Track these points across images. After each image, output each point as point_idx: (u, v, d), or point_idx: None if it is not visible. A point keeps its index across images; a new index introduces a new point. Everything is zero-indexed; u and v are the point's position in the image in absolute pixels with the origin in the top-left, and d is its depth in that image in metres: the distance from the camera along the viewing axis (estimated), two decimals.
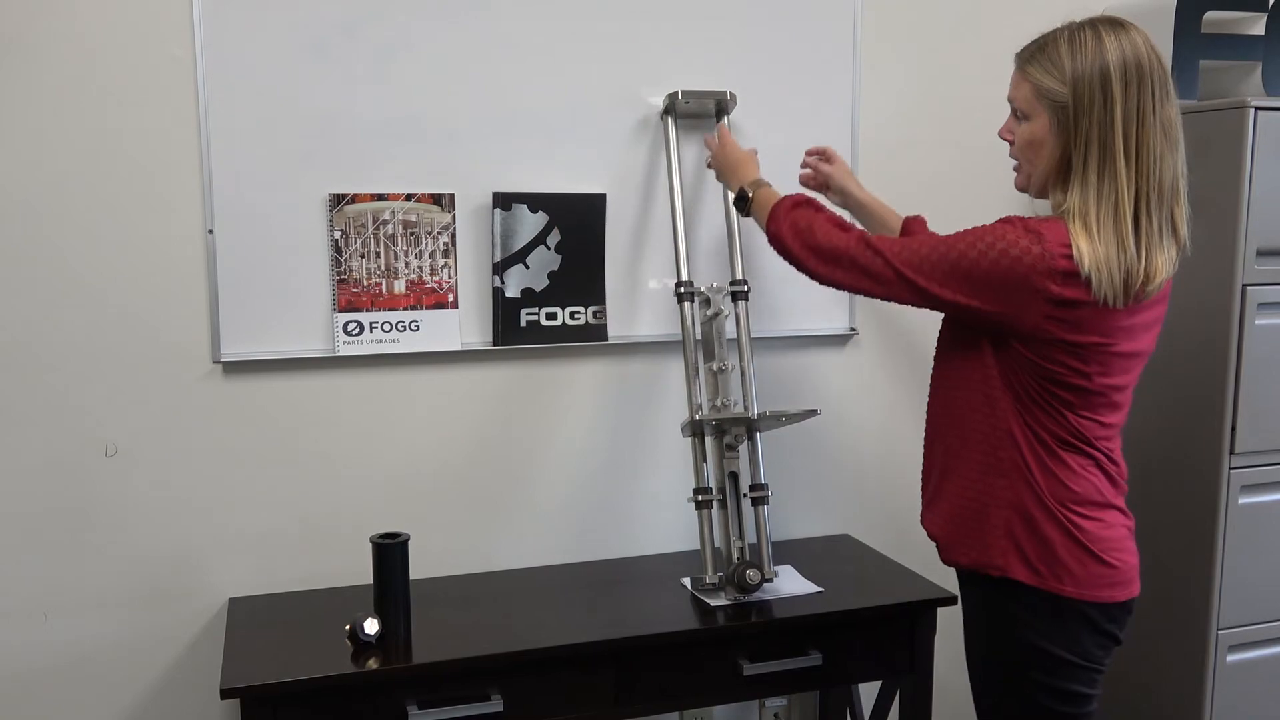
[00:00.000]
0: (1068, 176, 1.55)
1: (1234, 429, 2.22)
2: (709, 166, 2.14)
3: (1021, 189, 1.67)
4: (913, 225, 2.01)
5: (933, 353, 1.78)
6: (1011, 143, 1.64)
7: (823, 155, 2.15)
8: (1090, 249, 1.49)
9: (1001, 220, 1.58)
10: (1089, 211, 1.51)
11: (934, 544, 1.78)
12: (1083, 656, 1.61)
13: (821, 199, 2.03)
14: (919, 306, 1.63)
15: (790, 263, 1.76)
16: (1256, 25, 2.32)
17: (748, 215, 1.94)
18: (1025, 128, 1.59)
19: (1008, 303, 1.54)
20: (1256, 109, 2.13)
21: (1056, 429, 1.60)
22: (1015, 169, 1.66)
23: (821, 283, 1.73)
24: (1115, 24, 1.52)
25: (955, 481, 1.69)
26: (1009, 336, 1.58)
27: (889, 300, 1.65)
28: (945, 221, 1.93)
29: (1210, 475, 2.25)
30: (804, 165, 2.17)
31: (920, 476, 1.87)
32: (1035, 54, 1.56)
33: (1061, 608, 1.60)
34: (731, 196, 2.03)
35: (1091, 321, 1.53)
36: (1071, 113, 1.51)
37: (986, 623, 1.69)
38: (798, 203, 1.79)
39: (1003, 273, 1.52)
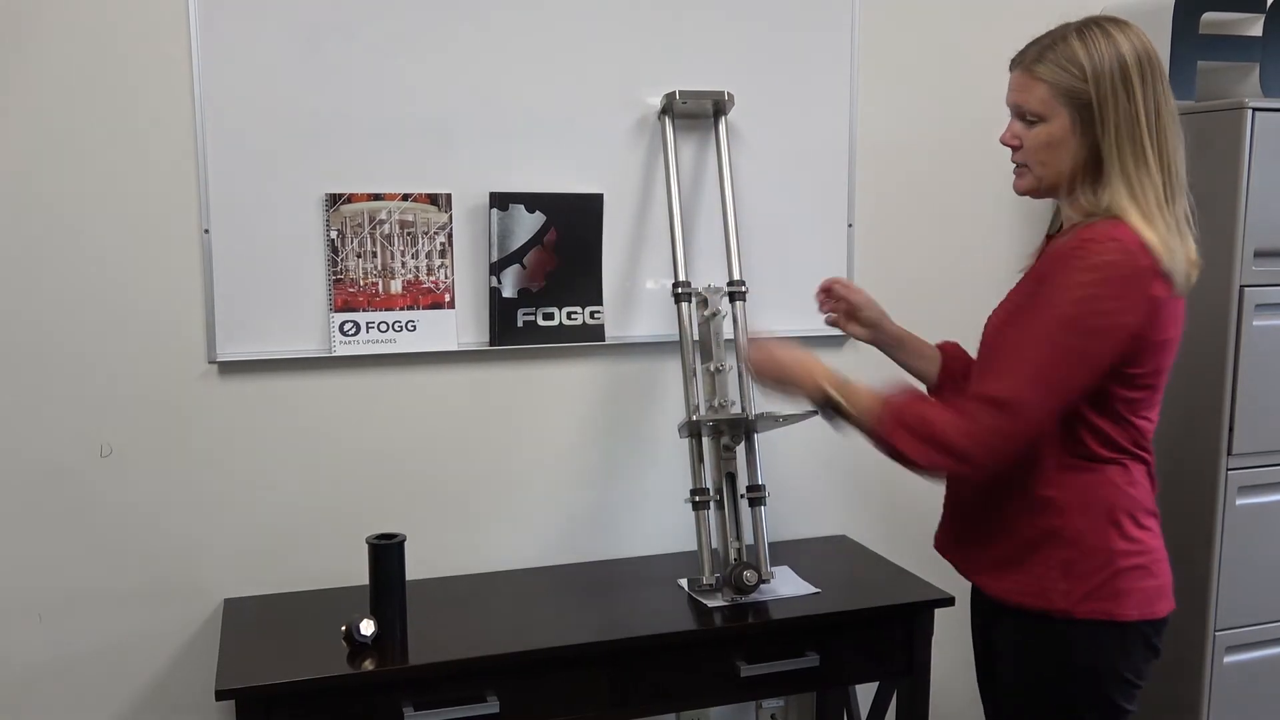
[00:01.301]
0: (1094, 176, 1.51)
1: (1231, 430, 2.22)
2: (756, 380, 1.70)
3: (1027, 192, 1.61)
4: (953, 351, 1.87)
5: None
6: (1016, 147, 1.58)
7: (840, 285, 1.93)
8: (1160, 242, 1.46)
9: (1069, 257, 1.46)
10: (1140, 205, 1.47)
11: (957, 571, 1.72)
12: (1137, 675, 1.56)
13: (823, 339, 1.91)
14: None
15: (917, 472, 1.53)
16: (1254, 26, 2.32)
17: (836, 422, 1.61)
18: (1042, 130, 1.53)
19: (1130, 341, 1.47)
20: (1254, 110, 2.13)
21: (1121, 436, 1.54)
22: (1017, 173, 1.61)
23: (973, 479, 1.58)
24: (1116, 21, 1.52)
25: (1004, 511, 1.60)
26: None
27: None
28: (943, 220, 1.92)
29: (1208, 476, 2.25)
30: (826, 300, 1.94)
31: (944, 502, 1.75)
32: (1044, 54, 1.52)
33: (1125, 631, 1.54)
34: (805, 406, 1.65)
35: (1170, 315, 1.50)
36: (1097, 109, 1.48)
37: (1037, 654, 1.59)
38: (900, 402, 1.53)
39: (1115, 327, 1.45)
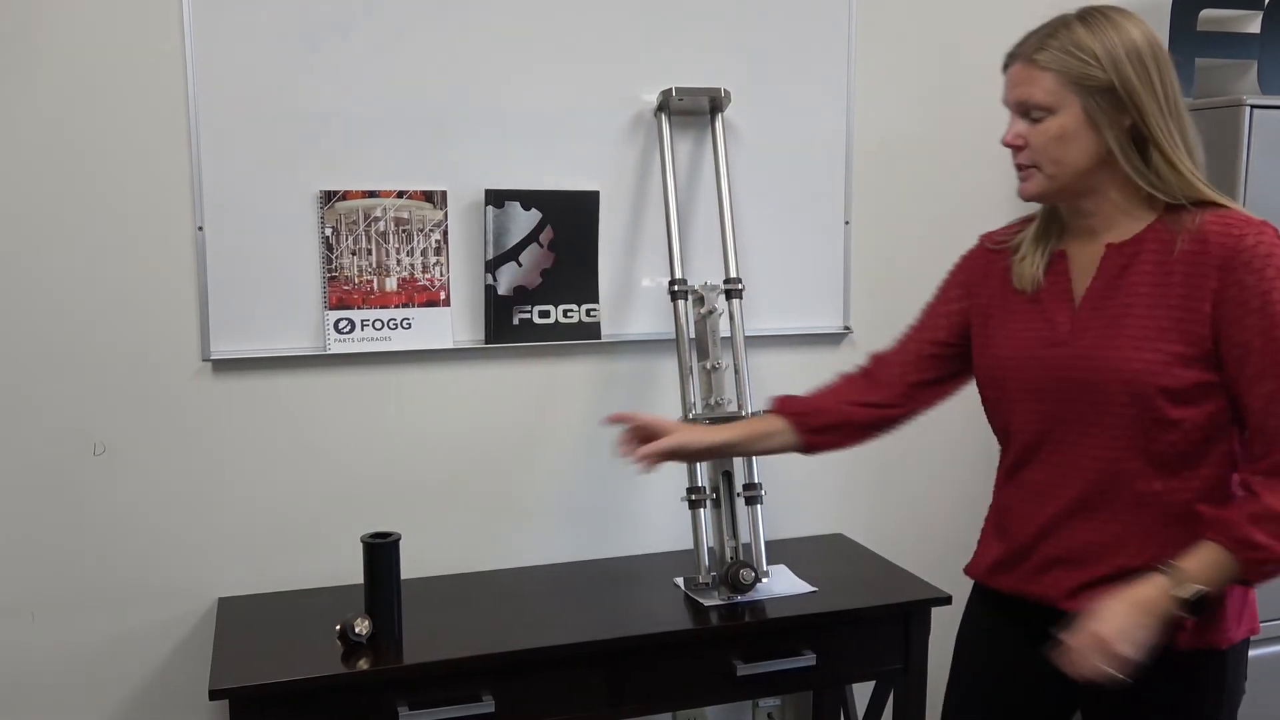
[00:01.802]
0: (1110, 169, 1.41)
1: None
2: (1109, 673, 1.36)
3: (1037, 197, 1.47)
4: (796, 407, 1.68)
5: None
6: (1020, 148, 1.46)
7: (637, 426, 1.65)
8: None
9: (1254, 265, 1.35)
10: (1209, 188, 1.41)
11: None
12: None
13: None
14: None
15: None
16: (1252, 23, 2.32)
17: (1210, 607, 1.39)
18: (1052, 123, 1.41)
19: None
20: (1252, 107, 2.12)
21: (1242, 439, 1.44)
22: (1023, 176, 1.47)
23: None
24: (1118, 9, 1.45)
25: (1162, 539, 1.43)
26: None
27: None
28: (941, 218, 1.92)
29: None
30: (630, 448, 1.64)
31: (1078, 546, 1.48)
32: (1046, 42, 1.41)
33: (1246, 649, 1.49)
34: (1174, 616, 1.37)
35: None
36: (1125, 93, 1.37)
37: (1201, 696, 1.46)
38: (1241, 516, 1.35)
39: None
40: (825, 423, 1.67)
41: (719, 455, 1.74)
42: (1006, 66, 1.48)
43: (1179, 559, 1.36)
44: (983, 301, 1.59)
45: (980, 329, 1.59)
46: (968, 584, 1.70)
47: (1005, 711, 1.61)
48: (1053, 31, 1.43)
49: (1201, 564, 1.35)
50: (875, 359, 1.71)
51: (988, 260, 1.61)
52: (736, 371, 2.17)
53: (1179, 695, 1.44)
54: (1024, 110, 1.44)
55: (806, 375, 2.45)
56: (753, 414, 1.70)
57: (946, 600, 2.09)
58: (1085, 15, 1.43)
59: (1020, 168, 1.47)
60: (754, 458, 2.13)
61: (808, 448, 1.68)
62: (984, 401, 1.60)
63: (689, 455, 1.72)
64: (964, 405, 1.72)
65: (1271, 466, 1.35)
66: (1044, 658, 1.50)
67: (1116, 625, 1.33)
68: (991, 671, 1.63)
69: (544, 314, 2.22)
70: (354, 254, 2.10)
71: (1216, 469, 1.41)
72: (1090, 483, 1.45)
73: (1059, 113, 1.41)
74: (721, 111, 2.24)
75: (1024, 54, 1.44)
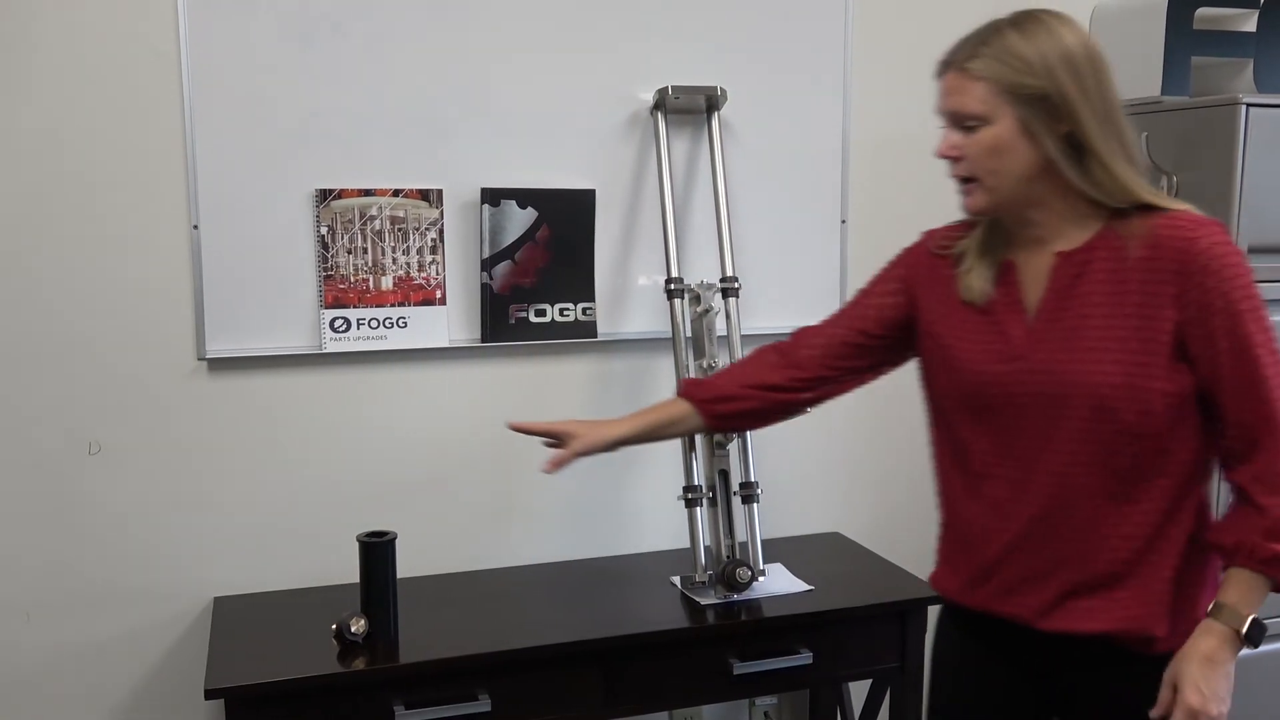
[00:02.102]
0: (1051, 177, 1.38)
1: None
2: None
3: (982, 211, 1.44)
4: (699, 391, 1.70)
5: None
6: (956, 159, 1.42)
7: (539, 434, 1.74)
8: None
9: (1215, 270, 1.34)
10: (1150, 191, 1.39)
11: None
12: None
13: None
14: None
15: None
16: (1248, 22, 2.32)
17: (1261, 634, 1.39)
18: (986, 134, 1.37)
19: None
20: (1248, 105, 2.12)
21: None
22: (965, 191, 1.44)
23: None
24: (1052, 13, 1.40)
25: (1161, 548, 1.42)
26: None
27: None
28: (937, 216, 1.91)
29: None
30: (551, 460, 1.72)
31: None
32: (978, 51, 1.38)
33: None
34: (1242, 632, 1.38)
35: None
36: (1060, 100, 1.34)
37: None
38: (1268, 561, 1.35)
39: None
40: (731, 410, 1.67)
41: (628, 445, 1.74)
42: (939, 75, 1.43)
43: (1221, 596, 1.37)
44: (929, 312, 1.55)
45: (931, 342, 1.55)
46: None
47: None
48: (985, 38, 1.39)
49: (1241, 593, 1.36)
50: (798, 335, 1.68)
51: (931, 264, 1.57)
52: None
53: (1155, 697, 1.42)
54: (958, 120, 1.41)
55: None
56: (660, 401, 1.71)
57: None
58: (1019, 20, 1.38)
59: (960, 180, 1.44)
60: (750, 458, 2.12)
61: (714, 431, 1.69)
62: (936, 414, 1.57)
63: (599, 452, 1.72)
64: None
65: (1262, 470, 1.34)
66: (1018, 674, 1.53)
67: (1202, 690, 1.35)
68: (968, 694, 1.61)
69: (540, 313, 2.22)
70: (350, 253, 2.09)
71: (1173, 480, 1.39)
72: (1051, 497, 1.42)
73: (994, 122, 1.37)
74: (718, 110, 2.24)
75: (956, 62, 1.40)
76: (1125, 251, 1.38)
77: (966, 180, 1.43)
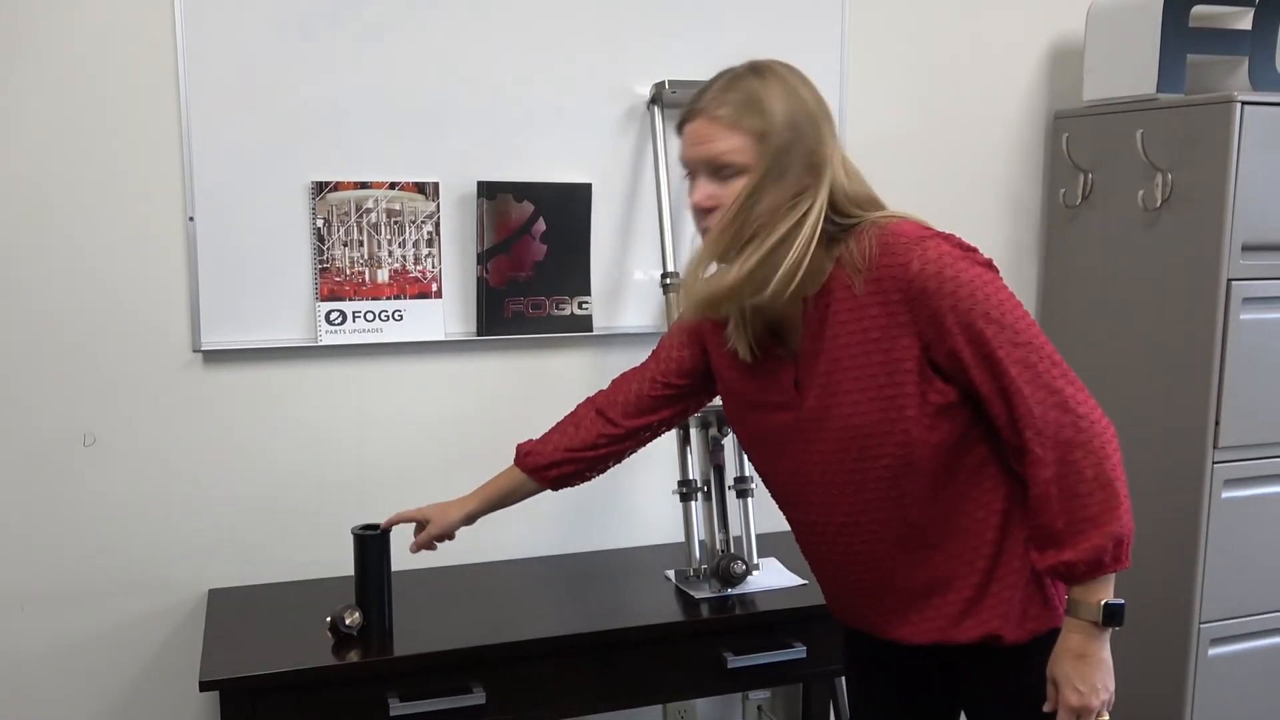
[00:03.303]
0: (785, 219, 1.35)
1: (1218, 424, 2.22)
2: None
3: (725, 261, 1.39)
4: (532, 456, 1.77)
5: None
6: (711, 210, 1.38)
7: (404, 522, 1.86)
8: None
9: (965, 260, 1.36)
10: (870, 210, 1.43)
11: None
12: None
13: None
14: None
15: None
16: (1243, 20, 2.32)
17: (1119, 615, 1.37)
18: (742, 182, 1.35)
19: None
20: (1243, 103, 2.13)
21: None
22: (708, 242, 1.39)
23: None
24: (782, 65, 1.43)
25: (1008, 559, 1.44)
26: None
27: None
28: (933, 212, 1.92)
29: (1194, 470, 2.26)
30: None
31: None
32: (725, 99, 1.37)
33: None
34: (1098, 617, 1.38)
35: None
36: (802, 146, 1.36)
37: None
38: (1104, 554, 1.34)
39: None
40: (560, 474, 1.76)
41: (478, 518, 1.83)
42: (683, 123, 1.41)
43: (1070, 592, 1.38)
44: (718, 362, 1.59)
45: (723, 387, 1.60)
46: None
47: None
48: (729, 86, 1.38)
49: (1095, 587, 1.36)
50: (613, 387, 1.75)
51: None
52: None
53: (1032, 676, 1.44)
54: (713, 169, 1.37)
55: None
56: (498, 473, 1.83)
57: None
58: (764, 74, 1.39)
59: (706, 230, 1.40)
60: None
61: (556, 489, 1.79)
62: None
63: (453, 529, 1.83)
64: None
65: (1032, 465, 1.34)
66: (920, 684, 1.59)
67: (1079, 687, 1.38)
68: (880, 709, 1.66)
69: (536, 306, 2.22)
70: (346, 245, 2.09)
71: (965, 484, 1.41)
72: (865, 540, 1.45)
73: (747, 173, 1.36)
74: None
75: (707, 111, 1.38)
76: (854, 287, 1.38)
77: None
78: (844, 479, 1.43)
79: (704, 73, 2.28)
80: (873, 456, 1.40)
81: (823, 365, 1.41)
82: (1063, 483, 1.32)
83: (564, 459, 1.75)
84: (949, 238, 1.38)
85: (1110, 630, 1.38)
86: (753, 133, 1.35)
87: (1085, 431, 1.32)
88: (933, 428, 1.37)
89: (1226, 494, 2.26)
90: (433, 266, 2.15)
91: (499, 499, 1.82)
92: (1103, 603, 1.36)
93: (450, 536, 1.84)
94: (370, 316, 2.12)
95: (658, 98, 2.20)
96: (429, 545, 1.84)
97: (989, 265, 1.38)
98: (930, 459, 1.39)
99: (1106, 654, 1.39)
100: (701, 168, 1.39)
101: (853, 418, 1.39)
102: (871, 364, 1.38)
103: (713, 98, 1.38)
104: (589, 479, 1.80)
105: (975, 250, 1.39)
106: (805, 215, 1.36)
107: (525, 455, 1.79)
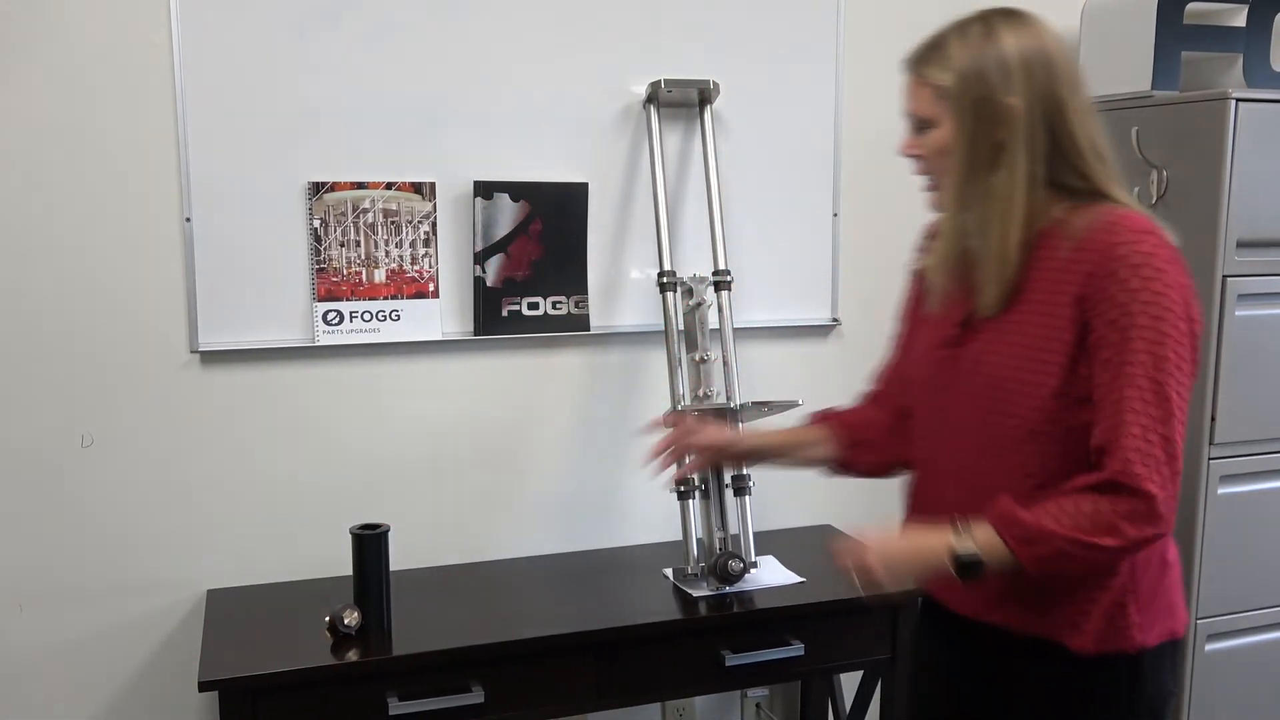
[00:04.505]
0: (976, 181, 1.38)
1: (1214, 420, 2.22)
2: (864, 585, 1.42)
3: (938, 208, 1.48)
4: (841, 419, 1.72)
5: None
6: (920, 158, 1.44)
7: (678, 427, 1.77)
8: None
9: (1153, 252, 1.31)
10: (1108, 185, 1.40)
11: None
12: None
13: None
14: None
15: (1106, 564, 1.38)
16: (1238, 17, 2.33)
17: (980, 576, 1.35)
18: (934, 135, 1.40)
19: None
20: (1237, 100, 2.13)
21: None
22: (928, 187, 1.47)
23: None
24: (1010, 14, 1.40)
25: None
26: None
27: None
28: (929, 212, 1.92)
29: (1190, 466, 2.26)
30: (672, 454, 1.76)
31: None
32: (927, 55, 1.41)
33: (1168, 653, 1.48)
34: (949, 570, 1.36)
35: None
36: (986, 105, 1.35)
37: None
38: (1005, 518, 1.33)
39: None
40: (863, 437, 1.69)
41: (781, 452, 1.75)
42: (904, 73, 1.46)
43: (975, 524, 1.34)
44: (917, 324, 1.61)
45: (910, 334, 1.62)
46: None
47: None
48: (935, 43, 1.42)
49: (986, 537, 1.33)
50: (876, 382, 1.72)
51: (918, 284, 1.62)
52: (725, 363, 2.17)
53: (1088, 702, 1.41)
54: (911, 120, 1.44)
55: (795, 367, 2.46)
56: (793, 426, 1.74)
57: None
58: (964, 26, 1.40)
59: (927, 178, 1.46)
60: None
61: (842, 464, 1.72)
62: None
63: (752, 454, 1.78)
64: None
65: (1089, 471, 1.32)
66: (980, 679, 1.53)
67: (886, 554, 1.38)
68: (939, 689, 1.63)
69: (533, 306, 2.22)
70: (342, 245, 2.09)
71: (1082, 470, 1.36)
72: (980, 490, 1.40)
73: (939, 125, 1.40)
74: (710, 103, 2.24)
75: (911, 65, 1.44)
76: (1060, 252, 1.37)
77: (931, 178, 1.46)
78: (975, 425, 1.42)
79: (700, 71, 2.30)
80: (1005, 413, 1.39)
81: (1008, 317, 1.40)
82: (1078, 507, 1.30)
83: (877, 436, 1.69)
84: (1174, 246, 1.35)
85: (950, 567, 1.34)
86: (936, 86, 1.39)
87: (1138, 514, 1.31)
88: (1066, 408, 1.35)
89: (1223, 490, 2.26)
90: (429, 266, 2.15)
91: (800, 438, 1.74)
92: (975, 552, 1.32)
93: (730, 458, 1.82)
94: (367, 316, 2.12)
95: (653, 97, 2.21)
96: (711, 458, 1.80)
97: (1193, 300, 1.34)
98: (1060, 438, 1.36)
99: (916, 564, 1.38)
100: (908, 120, 1.45)
101: (1001, 369, 1.39)
102: (1040, 324, 1.37)
103: (919, 54, 1.43)
104: (882, 469, 1.72)
105: (1191, 280, 1.34)
106: (1010, 167, 1.36)
107: (831, 414, 1.74)
